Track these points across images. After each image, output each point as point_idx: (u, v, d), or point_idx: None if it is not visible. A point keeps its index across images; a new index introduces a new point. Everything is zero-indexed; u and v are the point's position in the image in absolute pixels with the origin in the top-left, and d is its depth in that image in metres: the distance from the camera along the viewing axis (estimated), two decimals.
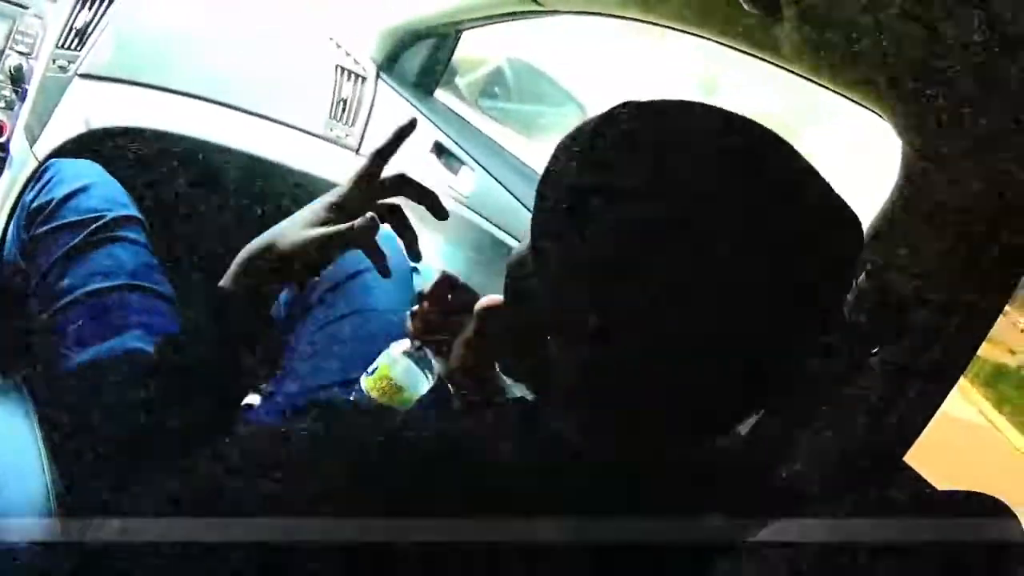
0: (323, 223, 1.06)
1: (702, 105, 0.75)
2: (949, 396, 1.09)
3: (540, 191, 0.77)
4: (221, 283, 1.05)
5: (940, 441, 1.20)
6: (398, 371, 1.21)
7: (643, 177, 0.69)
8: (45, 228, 1.41)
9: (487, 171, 1.80)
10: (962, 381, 1.10)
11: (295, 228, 1.06)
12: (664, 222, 0.67)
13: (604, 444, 0.78)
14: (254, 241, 1.06)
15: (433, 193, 1.09)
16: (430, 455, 0.76)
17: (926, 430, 1.09)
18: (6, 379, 1.39)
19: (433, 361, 1.20)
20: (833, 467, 1.12)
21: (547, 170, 0.78)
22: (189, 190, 1.78)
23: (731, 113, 0.73)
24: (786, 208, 0.69)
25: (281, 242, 1.04)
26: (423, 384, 1.20)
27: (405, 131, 1.13)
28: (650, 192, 0.68)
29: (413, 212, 1.84)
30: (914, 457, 1.09)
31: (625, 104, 0.75)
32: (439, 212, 1.10)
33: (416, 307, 1.19)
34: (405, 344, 1.22)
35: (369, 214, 1.02)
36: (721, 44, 1.22)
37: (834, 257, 0.72)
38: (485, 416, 0.91)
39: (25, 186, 1.55)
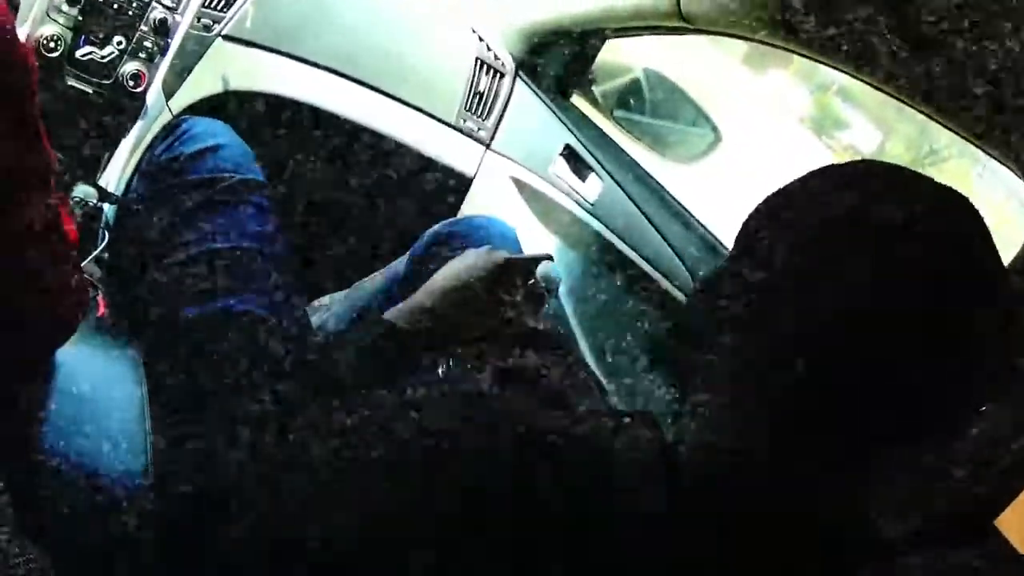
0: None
1: (908, 176, 0.79)
2: None
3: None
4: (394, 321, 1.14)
5: None
6: None
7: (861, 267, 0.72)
8: (171, 182, 1.41)
9: (615, 181, 1.78)
10: None
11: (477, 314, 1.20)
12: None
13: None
14: (444, 300, 1.20)
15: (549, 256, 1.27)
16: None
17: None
18: (118, 333, 1.40)
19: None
20: (918, 520, 1.03)
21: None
22: (316, 163, 1.79)
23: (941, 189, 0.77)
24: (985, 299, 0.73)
25: (470, 324, 1.18)
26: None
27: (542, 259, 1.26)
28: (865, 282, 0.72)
29: (535, 213, 1.84)
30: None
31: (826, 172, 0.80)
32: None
33: None
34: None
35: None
36: (853, 76, 1.22)
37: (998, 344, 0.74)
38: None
39: (156, 138, 1.55)
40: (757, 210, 0.83)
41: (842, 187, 0.78)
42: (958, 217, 0.76)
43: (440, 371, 1.22)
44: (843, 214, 0.75)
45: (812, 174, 0.81)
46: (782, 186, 0.82)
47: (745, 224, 0.84)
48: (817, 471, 0.77)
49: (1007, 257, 0.99)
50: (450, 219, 1.64)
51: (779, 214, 0.81)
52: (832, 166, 0.81)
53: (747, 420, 0.79)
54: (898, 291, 0.71)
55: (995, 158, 1.03)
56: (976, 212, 0.75)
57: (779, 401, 0.76)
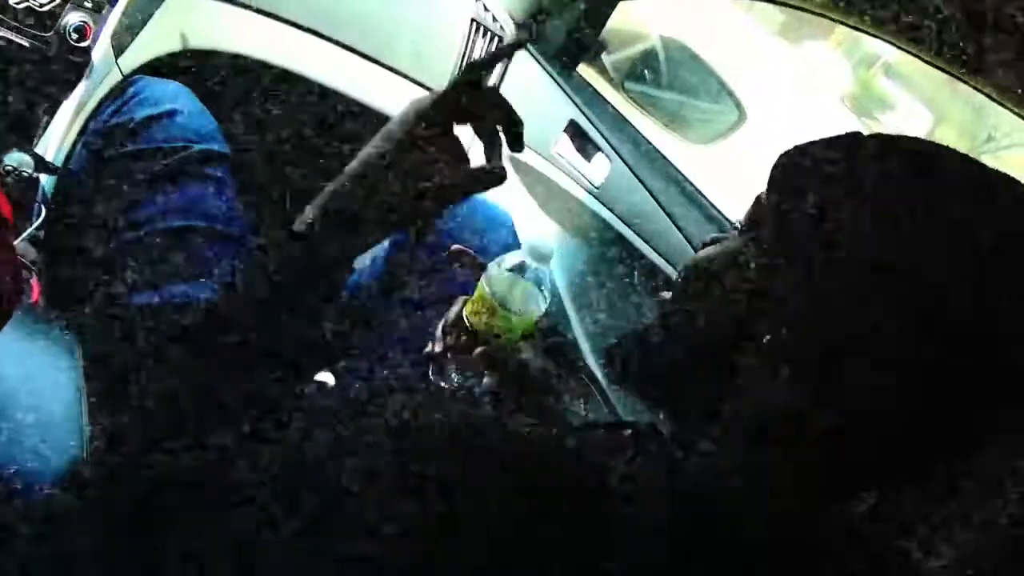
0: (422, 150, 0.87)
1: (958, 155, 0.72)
2: None
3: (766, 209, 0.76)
4: (297, 227, 0.86)
5: None
6: (497, 287, 1.05)
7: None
8: (123, 150, 1.34)
9: (624, 162, 1.67)
10: None
11: (396, 167, 0.86)
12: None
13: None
14: (342, 180, 0.87)
15: (522, 122, 0.90)
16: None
17: None
18: (53, 320, 1.30)
19: (547, 278, 1.06)
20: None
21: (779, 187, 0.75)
22: (287, 135, 1.68)
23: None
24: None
25: (387, 186, 0.85)
26: (533, 304, 1.06)
27: (508, 52, 1.07)
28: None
29: (534, 196, 1.72)
30: None
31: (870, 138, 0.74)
32: (518, 144, 0.90)
33: None
34: (515, 257, 1.06)
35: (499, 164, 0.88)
36: (905, 49, 1.17)
37: None
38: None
39: (103, 101, 1.46)
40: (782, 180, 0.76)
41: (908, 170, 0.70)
42: None
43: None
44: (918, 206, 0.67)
45: (853, 142, 0.73)
46: (815, 146, 0.74)
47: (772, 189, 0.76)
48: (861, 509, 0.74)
49: None
50: None
51: (815, 185, 0.72)
52: (879, 138, 0.73)
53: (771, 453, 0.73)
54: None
55: None
56: None
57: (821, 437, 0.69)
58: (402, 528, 0.67)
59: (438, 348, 1.10)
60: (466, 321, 1.06)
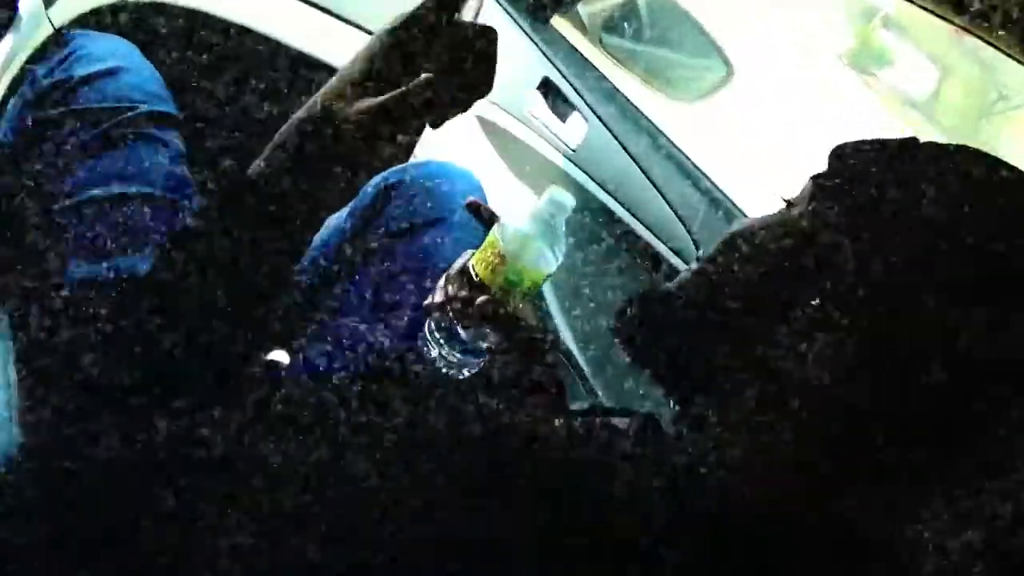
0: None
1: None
2: None
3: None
4: (252, 170, 0.77)
5: None
6: (511, 238, 1.02)
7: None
8: (60, 111, 1.27)
9: (602, 122, 1.61)
10: None
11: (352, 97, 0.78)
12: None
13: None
14: (301, 113, 0.78)
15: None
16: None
17: None
18: None
19: (562, 234, 1.03)
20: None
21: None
22: (233, 88, 1.61)
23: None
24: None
25: (344, 112, 0.76)
26: (543, 262, 1.02)
27: None
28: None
29: (505, 160, 1.70)
30: None
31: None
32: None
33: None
34: (532, 208, 1.03)
35: None
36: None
37: None
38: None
39: (33, 57, 1.41)
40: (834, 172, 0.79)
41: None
42: None
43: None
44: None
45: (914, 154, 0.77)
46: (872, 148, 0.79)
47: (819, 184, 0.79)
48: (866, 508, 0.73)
49: None
50: (398, 166, 1.44)
51: (873, 177, 0.76)
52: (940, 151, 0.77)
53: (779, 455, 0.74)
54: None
55: None
56: None
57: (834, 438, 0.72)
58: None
59: (438, 298, 1.05)
60: (472, 271, 1.02)
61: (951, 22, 1.06)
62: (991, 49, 1.05)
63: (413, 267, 1.31)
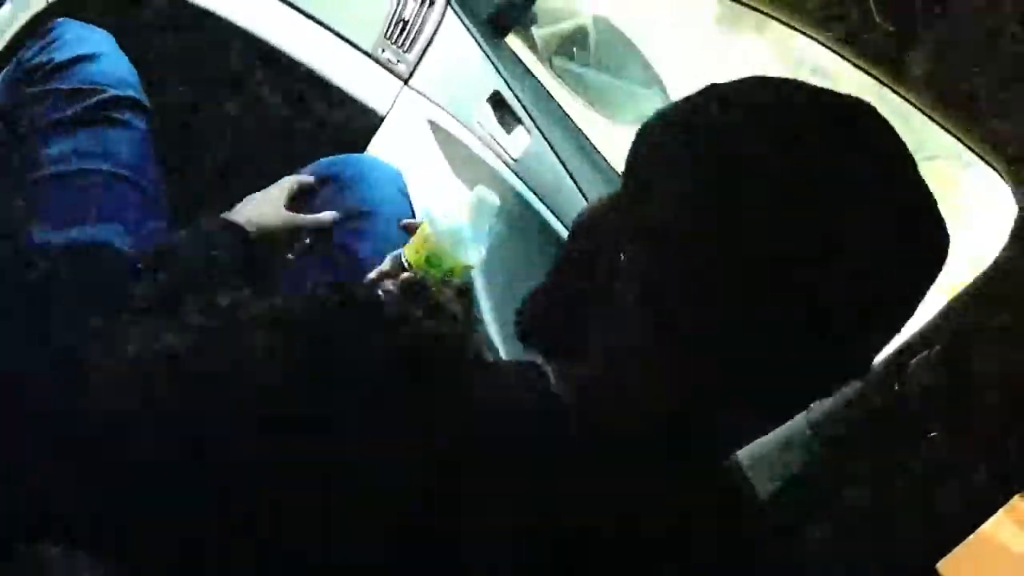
0: None
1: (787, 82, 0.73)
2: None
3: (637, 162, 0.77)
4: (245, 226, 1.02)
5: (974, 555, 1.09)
6: (432, 221, 1.14)
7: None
8: (38, 89, 1.34)
9: (544, 137, 1.68)
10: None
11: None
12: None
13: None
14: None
15: None
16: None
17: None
18: None
19: (485, 232, 1.15)
20: (853, 553, 1.06)
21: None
22: (206, 81, 1.67)
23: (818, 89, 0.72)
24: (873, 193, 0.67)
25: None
26: (462, 248, 1.14)
27: None
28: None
29: (450, 163, 1.75)
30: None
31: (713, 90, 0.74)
32: None
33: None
34: (460, 204, 1.16)
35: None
36: (836, 52, 1.15)
37: (909, 274, 0.70)
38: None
39: (19, 38, 1.41)
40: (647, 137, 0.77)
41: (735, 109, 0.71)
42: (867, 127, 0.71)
43: None
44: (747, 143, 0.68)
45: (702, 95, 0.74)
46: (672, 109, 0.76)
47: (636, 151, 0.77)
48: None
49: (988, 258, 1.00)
50: (328, 158, 1.54)
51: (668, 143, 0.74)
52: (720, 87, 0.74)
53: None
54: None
55: (981, 157, 1.00)
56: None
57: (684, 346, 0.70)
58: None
59: (371, 275, 1.18)
60: (403, 257, 1.15)
61: (875, 77, 1.09)
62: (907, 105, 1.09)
63: (340, 259, 1.38)
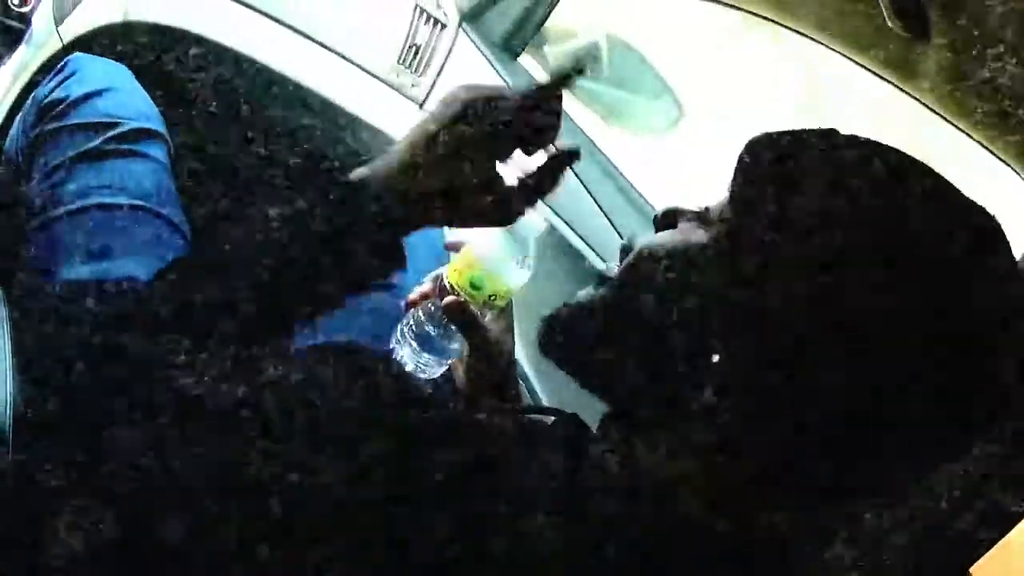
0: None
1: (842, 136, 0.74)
2: None
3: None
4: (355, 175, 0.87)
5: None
6: (476, 243, 1.11)
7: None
8: (55, 125, 1.34)
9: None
10: None
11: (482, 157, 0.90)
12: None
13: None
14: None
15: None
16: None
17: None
18: None
19: (530, 253, 1.10)
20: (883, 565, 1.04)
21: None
22: (225, 112, 1.68)
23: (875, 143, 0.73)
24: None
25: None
26: (506, 269, 1.10)
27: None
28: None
29: None
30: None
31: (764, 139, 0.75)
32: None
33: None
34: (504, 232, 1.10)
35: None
36: (851, 59, 1.18)
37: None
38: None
39: (40, 72, 1.47)
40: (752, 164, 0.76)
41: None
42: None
43: None
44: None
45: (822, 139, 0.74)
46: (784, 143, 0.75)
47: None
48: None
49: None
50: None
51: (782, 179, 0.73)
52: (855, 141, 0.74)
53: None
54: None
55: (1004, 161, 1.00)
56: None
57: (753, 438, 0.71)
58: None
59: (414, 296, 1.14)
60: (444, 278, 1.11)
61: (889, 81, 1.12)
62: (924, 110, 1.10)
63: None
